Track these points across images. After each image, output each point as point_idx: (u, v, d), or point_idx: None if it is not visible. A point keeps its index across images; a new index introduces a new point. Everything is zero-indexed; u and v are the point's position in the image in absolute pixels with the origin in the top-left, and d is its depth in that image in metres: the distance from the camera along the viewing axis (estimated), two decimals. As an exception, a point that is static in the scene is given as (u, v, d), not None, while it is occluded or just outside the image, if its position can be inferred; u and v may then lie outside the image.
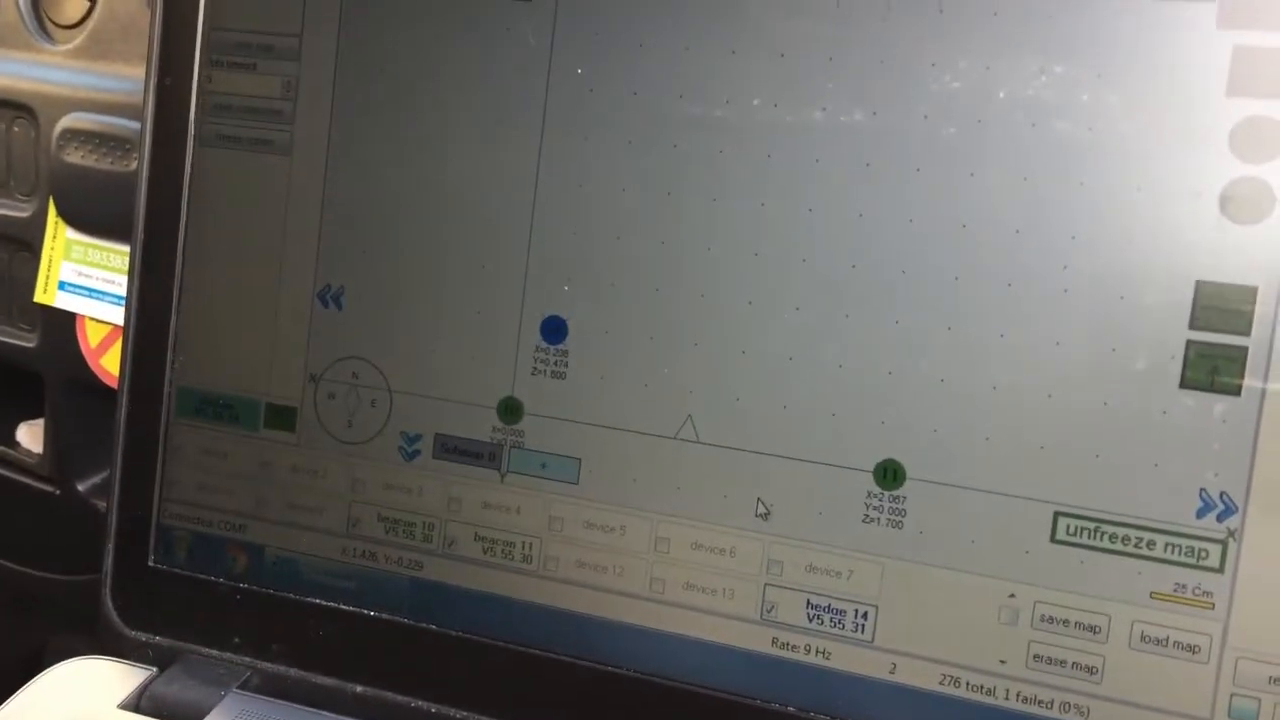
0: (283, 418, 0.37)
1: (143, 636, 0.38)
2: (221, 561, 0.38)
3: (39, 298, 0.64)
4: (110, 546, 0.39)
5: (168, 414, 0.38)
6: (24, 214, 0.65)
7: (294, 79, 0.36)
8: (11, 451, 0.71)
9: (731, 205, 0.32)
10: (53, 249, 0.63)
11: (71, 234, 0.62)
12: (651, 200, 0.33)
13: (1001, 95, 0.30)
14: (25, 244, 0.64)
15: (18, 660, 0.70)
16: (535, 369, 0.34)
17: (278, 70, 0.37)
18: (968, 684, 0.31)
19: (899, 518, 0.31)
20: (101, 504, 0.65)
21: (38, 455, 0.69)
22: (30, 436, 0.70)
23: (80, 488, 0.66)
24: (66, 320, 0.63)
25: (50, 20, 0.65)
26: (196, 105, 0.37)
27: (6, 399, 0.71)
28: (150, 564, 0.38)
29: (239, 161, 0.37)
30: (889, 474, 0.31)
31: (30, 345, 0.67)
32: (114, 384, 0.63)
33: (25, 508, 0.69)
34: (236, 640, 0.37)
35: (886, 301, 0.31)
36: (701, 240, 0.32)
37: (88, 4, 0.64)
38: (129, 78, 0.60)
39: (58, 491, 0.66)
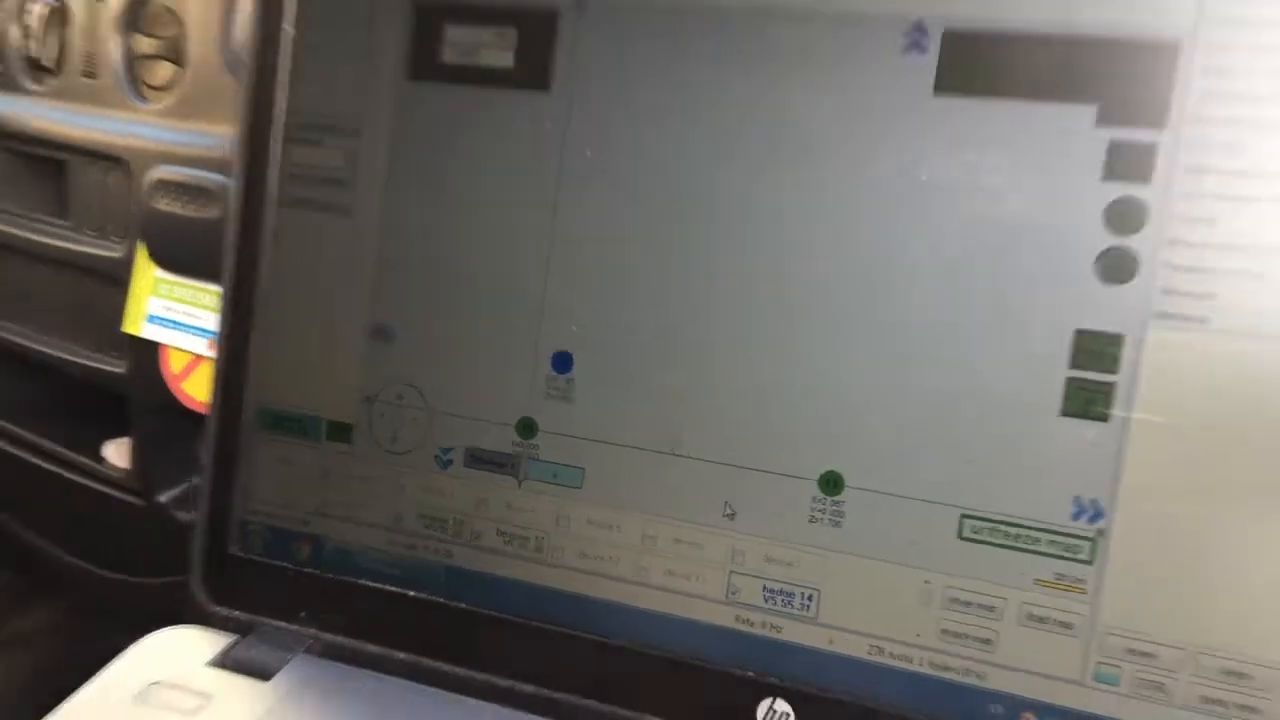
0: (341, 432, 0.44)
1: (225, 611, 0.45)
2: (290, 550, 0.45)
3: (127, 328, 0.69)
4: (199, 537, 0.46)
5: (248, 428, 0.45)
6: (116, 254, 0.71)
7: (354, 153, 0.44)
8: (100, 467, 0.77)
9: (712, 260, 0.39)
10: (141, 285, 0.69)
11: (158, 272, 0.68)
12: (646, 255, 0.40)
13: (923, 179, 0.37)
14: (116, 280, 0.70)
15: (98, 658, 0.76)
16: (548, 394, 0.41)
17: (341, 146, 0.44)
18: (890, 653, 0.37)
19: (839, 518, 0.38)
20: (181, 514, 0.71)
21: (124, 470, 0.75)
22: (117, 453, 0.76)
23: (162, 499, 0.72)
24: (151, 349, 0.69)
25: (144, 83, 0.72)
26: (276, 174, 0.45)
27: (96, 419, 0.78)
28: (232, 552, 0.45)
29: (309, 220, 0.44)
30: (831, 483, 0.38)
31: (118, 371, 0.73)
32: (193, 406, 0.69)
33: (112, 518, 0.74)
34: (302, 614, 0.44)
35: (834, 345, 0.38)
36: (685, 289, 0.39)
37: (176, 70, 0.70)
38: (211, 134, 0.66)
39: (141, 503, 0.72)
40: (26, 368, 0.78)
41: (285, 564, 0.45)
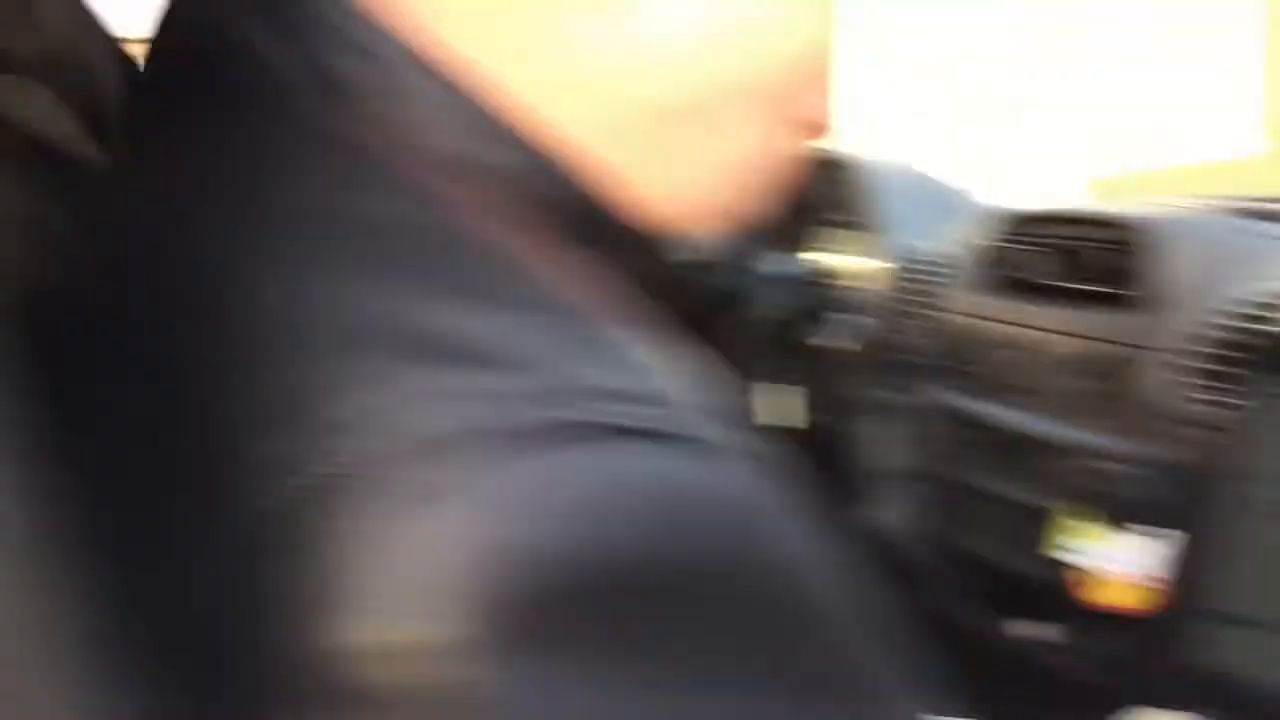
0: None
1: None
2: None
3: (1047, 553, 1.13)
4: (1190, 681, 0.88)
5: (1192, 618, 0.87)
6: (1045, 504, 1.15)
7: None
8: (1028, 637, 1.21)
9: None
10: (1059, 530, 1.13)
11: (1075, 523, 1.11)
12: None
13: None
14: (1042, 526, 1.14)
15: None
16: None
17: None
18: None
19: None
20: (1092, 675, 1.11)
21: (1035, 640, 1.19)
22: (1025, 629, 1.20)
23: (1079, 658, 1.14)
24: (1063, 566, 1.12)
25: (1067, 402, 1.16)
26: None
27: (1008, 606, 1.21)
28: (1179, 679, 0.87)
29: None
30: None
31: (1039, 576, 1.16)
32: (1086, 605, 1.10)
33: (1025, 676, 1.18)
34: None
35: None
36: None
37: (1086, 399, 1.14)
38: (1116, 438, 1.09)
39: (1059, 665, 1.15)
40: (975, 570, 1.26)
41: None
